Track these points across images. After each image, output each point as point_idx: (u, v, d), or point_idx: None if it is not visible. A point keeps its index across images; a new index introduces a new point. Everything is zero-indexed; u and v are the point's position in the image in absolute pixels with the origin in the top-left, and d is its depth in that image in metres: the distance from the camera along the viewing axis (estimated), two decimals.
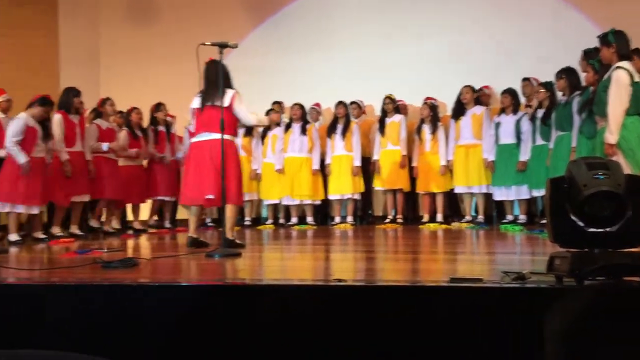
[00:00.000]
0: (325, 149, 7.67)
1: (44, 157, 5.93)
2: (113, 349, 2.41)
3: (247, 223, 7.80)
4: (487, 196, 7.04)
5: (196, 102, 4.69)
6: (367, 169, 7.66)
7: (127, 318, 2.53)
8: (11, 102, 6.41)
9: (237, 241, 4.59)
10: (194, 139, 4.70)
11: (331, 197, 7.56)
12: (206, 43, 4.10)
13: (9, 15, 8.83)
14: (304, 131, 7.51)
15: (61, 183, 6.10)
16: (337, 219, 7.55)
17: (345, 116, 7.52)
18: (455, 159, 7.06)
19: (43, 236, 5.91)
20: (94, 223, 6.78)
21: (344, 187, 7.42)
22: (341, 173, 7.45)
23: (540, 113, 6.25)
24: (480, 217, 6.93)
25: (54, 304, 2.61)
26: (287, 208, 7.73)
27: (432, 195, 7.29)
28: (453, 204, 7.48)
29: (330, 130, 7.57)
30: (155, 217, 7.71)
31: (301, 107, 7.62)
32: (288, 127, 7.62)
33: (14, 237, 5.66)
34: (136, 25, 9.26)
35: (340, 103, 7.54)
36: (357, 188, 7.47)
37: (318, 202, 7.64)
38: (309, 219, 7.56)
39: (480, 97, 7.15)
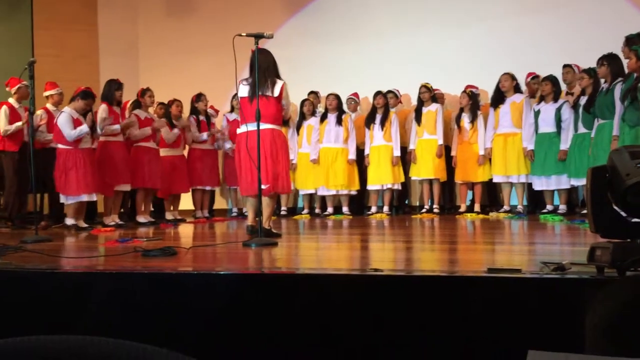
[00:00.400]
0: (363, 139, 7.64)
1: (91, 148, 6.14)
2: (153, 336, 2.47)
3: (283, 213, 7.86)
4: (527, 186, 6.92)
5: (244, 91, 4.59)
6: (404, 158, 7.62)
7: (166, 305, 2.58)
8: (62, 96, 6.60)
9: (274, 230, 4.63)
10: (242, 129, 4.56)
11: (370, 187, 7.55)
12: (242, 34, 4.11)
13: (50, 10, 9.05)
14: (339, 121, 7.50)
15: (104, 173, 6.26)
16: (374, 209, 7.54)
17: (384, 106, 7.47)
18: (494, 148, 6.95)
19: (85, 225, 6.07)
20: (142, 218, 6.86)
21: (383, 177, 7.39)
22: (380, 163, 7.42)
23: (583, 100, 6.10)
24: (519, 207, 6.82)
25: (97, 291, 2.68)
26: (323, 198, 7.75)
27: (471, 185, 7.21)
28: (492, 193, 7.39)
29: (369, 120, 7.54)
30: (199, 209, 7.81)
31: (337, 97, 7.60)
32: (324, 117, 7.62)
33: (71, 221, 6.00)
34: (173, 17, 9.38)
35: (379, 93, 7.50)
36: (396, 178, 7.44)
37: (354, 192, 7.63)
38: (345, 209, 7.57)
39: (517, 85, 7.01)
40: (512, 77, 6.89)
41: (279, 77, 4.58)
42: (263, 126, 4.30)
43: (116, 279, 2.72)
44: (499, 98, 6.94)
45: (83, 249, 4.34)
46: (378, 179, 7.44)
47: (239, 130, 4.71)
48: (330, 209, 7.62)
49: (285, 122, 7.64)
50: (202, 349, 2.40)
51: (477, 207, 7.07)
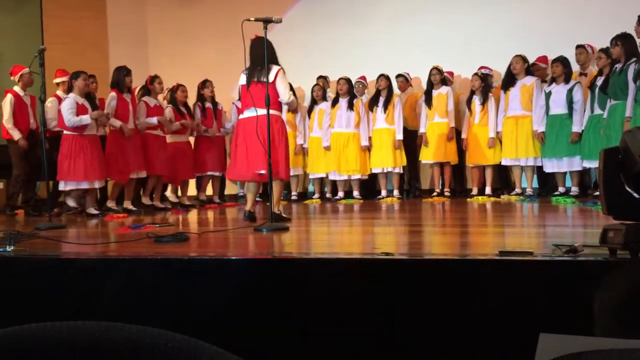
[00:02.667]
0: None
1: (96, 135, 6.14)
2: (165, 321, 2.49)
3: (293, 197, 7.87)
4: (537, 168, 6.89)
5: (243, 79, 4.73)
6: (414, 142, 7.59)
7: (179, 291, 2.60)
8: (32, 78, 6.60)
9: (284, 215, 4.65)
10: (242, 116, 4.74)
11: (374, 170, 7.54)
12: (250, 19, 4.11)
13: None
14: (350, 106, 7.47)
15: (118, 160, 6.29)
16: (384, 193, 7.53)
17: (387, 89, 7.44)
18: (504, 131, 6.91)
19: (96, 212, 6.12)
20: (145, 200, 6.95)
21: (385, 160, 7.38)
22: (382, 146, 7.40)
23: (599, 81, 6.02)
24: (529, 190, 6.79)
25: (111, 277, 2.71)
26: (334, 182, 7.75)
27: (482, 168, 7.18)
28: (503, 176, 7.36)
29: (372, 103, 7.51)
30: (208, 193, 7.84)
31: (347, 81, 7.56)
32: (335, 102, 7.59)
33: (71, 202, 6.05)
34: (182, 4, 9.36)
35: (382, 76, 7.46)
36: (398, 162, 7.41)
37: (365, 177, 7.63)
38: (355, 193, 7.57)
39: (531, 67, 6.94)
40: (524, 59, 6.82)
41: (276, 63, 4.62)
42: (259, 112, 4.41)
43: (129, 264, 2.74)
44: (509, 81, 6.88)
45: (96, 236, 4.38)
46: (380, 162, 7.42)
47: (239, 117, 4.83)
48: (341, 194, 7.63)
49: (294, 110, 7.66)
50: (214, 333, 2.42)
51: (488, 190, 7.04)
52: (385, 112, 7.38)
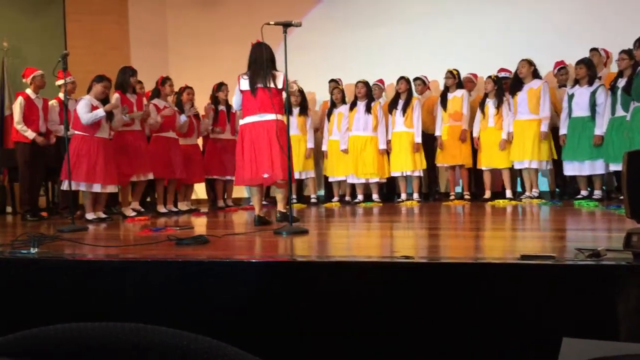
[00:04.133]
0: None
1: (107, 139, 6.09)
2: (186, 322, 2.51)
3: (313, 201, 7.88)
4: (558, 172, 6.85)
5: (244, 84, 4.79)
6: (433, 145, 7.57)
7: (200, 293, 2.62)
8: (75, 85, 6.62)
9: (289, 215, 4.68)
10: (245, 121, 4.78)
11: (393, 174, 7.52)
12: (270, 23, 4.13)
13: (81, 2, 9.19)
14: (368, 109, 7.46)
15: (120, 162, 6.17)
16: (403, 196, 7.50)
17: (406, 92, 7.42)
18: (514, 134, 6.88)
19: (104, 216, 6.01)
20: (160, 207, 6.84)
21: (404, 164, 7.35)
22: (402, 150, 7.38)
23: (621, 83, 5.95)
24: (535, 191, 6.74)
25: (133, 279, 2.74)
26: (353, 185, 7.73)
27: (496, 171, 7.13)
28: (517, 180, 7.33)
29: (391, 106, 7.50)
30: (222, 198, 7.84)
31: (366, 84, 7.55)
32: (353, 105, 7.58)
33: (90, 215, 5.86)
34: (202, 8, 9.44)
35: (402, 78, 7.44)
36: (417, 165, 7.38)
37: (383, 180, 7.61)
38: (375, 196, 7.56)
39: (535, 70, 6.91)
40: (530, 63, 6.78)
41: (276, 69, 4.75)
42: (267, 117, 4.57)
43: (151, 266, 2.77)
44: (517, 85, 6.84)
45: (118, 238, 4.42)
46: (399, 165, 7.40)
47: (241, 122, 4.87)
48: (360, 197, 7.62)
49: (302, 110, 7.67)
50: (234, 335, 2.44)
51: (509, 194, 6.98)
52: (404, 115, 7.37)
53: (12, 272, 2.99)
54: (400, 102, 7.42)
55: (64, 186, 5.79)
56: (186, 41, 9.36)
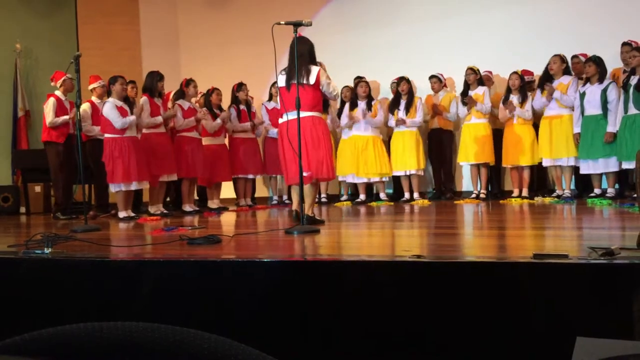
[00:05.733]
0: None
1: (136, 137, 6.25)
2: (198, 321, 2.52)
3: (323, 200, 7.88)
4: (575, 169, 6.76)
5: (281, 80, 4.67)
6: (449, 143, 7.54)
7: (211, 292, 2.63)
8: (106, 88, 6.72)
9: (317, 217, 4.65)
10: (284, 118, 4.61)
11: (396, 173, 7.50)
12: (281, 22, 4.13)
13: (93, 4, 9.26)
14: (369, 108, 7.43)
15: (149, 164, 6.33)
16: (407, 195, 7.45)
17: (408, 92, 7.39)
18: (541, 131, 6.79)
19: (133, 214, 6.19)
20: (187, 206, 6.90)
21: (408, 163, 7.33)
22: (405, 149, 7.35)
23: (634, 80, 5.89)
24: (567, 191, 6.64)
25: (145, 278, 2.75)
26: (364, 185, 7.68)
27: (520, 169, 7.06)
28: (541, 178, 7.25)
29: (393, 106, 7.47)
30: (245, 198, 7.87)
31: (367, 83, 7.54)
32: (353, 104, 7.54)
33: (122, 214, 6.08)
34: (213, 8, 9.46)
35: (403, 79, 7.41)
36: (421, 164, 7.37)
37: (386, 179, 7.60)
38: (382, 195, 7.53)
39: (573, 66, 6.81)
40: (562, 59, 6.68)
41: (314, 64, 4.59)
42: (302, 114, 4.35)
43: (163, 266, 2.78)
44: (547, 80, 6.75)
45: (131, 238, 4.45)
46: (402, 164, 7.37)
47: (280, 120, 4.75)
48: (362, 196, 7.54)
49: (324, 108, 7.65)
50: (246, 334, 2.44)
51: (525, 192, 6.91)
52: (407, 115, 7.35)
53: (26, 272, 3.02)
54: (403, 102, 7.39)
55: (112, 189, 6.14)
56: (197, 41, 9.39)
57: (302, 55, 4.42)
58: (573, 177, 6.77)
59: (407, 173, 7.41)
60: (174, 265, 2.78)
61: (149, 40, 9.47)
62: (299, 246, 3.44)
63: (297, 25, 4.17)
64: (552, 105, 6.66)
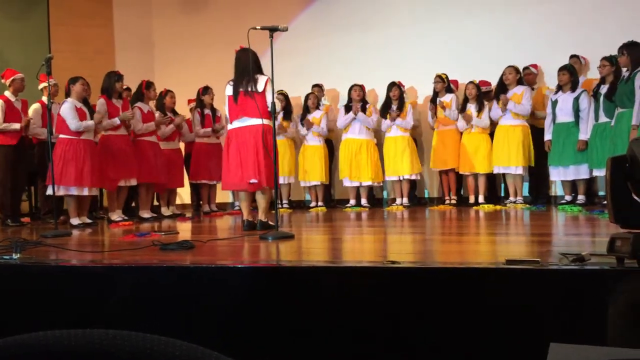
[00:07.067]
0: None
1: (92, 140, 6.05)
2: (171, 329, 2.49)
3: (285, 206, 7.83)
4: (539, 177, 6.93)
5: (229, 90, 4.78)
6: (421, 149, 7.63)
7: (184, 298, 2.60)
8: (58, 87, 6.55)
9: (271, 222, 4.61)
10: (232, 126, 4.75)
11: (388, 178, 7.52)
12: (256, 27, 4.12)
13: (66, 6, 9.14)
14: (363, 112, 7.45)
15: (107, 168, 6.14)
16: (398, 201, 7.46)
17: (399, 97, 7.43)
18: (495, 139, 6.93)
19: (89, 221, 5.95)
20: (143, 212, 6.74)
21: (400, 168, 7.35)
22: (397, 154, 7.38)
23: (603, 89, 6.03)
24: (519, 199, 6.79)
25: (117, 285, 2.71)
26: (354, 189, 7.63)
27: (475, 176, 7.17)
28: (492, 185, 7.39)
29: (384, 111, 7.49)
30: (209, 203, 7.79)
31: (361, 87, 7.55)
32: (348, 108, 7.55)
33: (75, 221, 5.80)
34: (188, 12, 9.41)
35: (394, 84, 7.44)
36: (414, 169, 7.40)
37: (379, 185, 7.61)
38: (363, 201, 7.54)
39: (525, 76, 6.99)
40: (517, 70, 6.87)
41: (262, 73, 4.70)
42: (252, 121, 4.53)
43: (135, 272, 2.74)
44: (502, 90, 6.90)
45: (102, 244, 4.39)
46: (395, 170, 7.40)
47: (229, 127, 4.84)
48: (352, 201, 7.53)
49: (287, 115, 7.65)
50: (220, 340, 2.42)
51: (481, 199, 7.03)
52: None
53: None
54: (394, 107, 7.42)
55: (49, 191, 5.61)
56: (172, 45, 9.32)
57: (249, 65, 4.57)
58: (526, 184, 6.99)
59: (401, 178, 7.42)
60: (146, 271, 2.74)
61: (122, 43, 9.37)
62: (272, 252, 3.42)
63: (272, 30, 4.16)
64: (507, 115, 6.80)
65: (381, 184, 7.73)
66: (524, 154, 6.76)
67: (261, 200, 4.70)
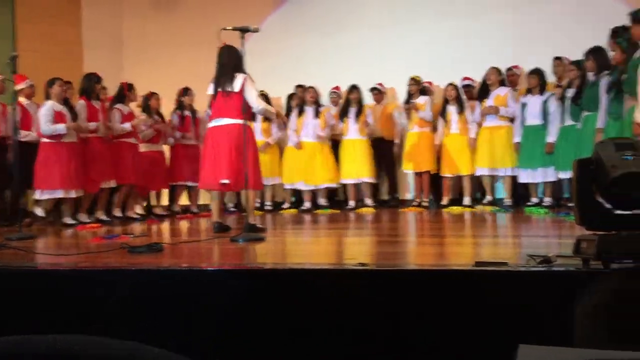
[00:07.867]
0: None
1: (75, 143, 5.98)
2: (139, 333, 2.45)
3: (267, 208, 7.80)
4: (513, 179, 6.96)
5: (210, 89, 4.75)
6: (391, 152, 7.62)
7: (153, 302, 2.56)
8: (34, 88, 6.42)
9: (259, 225, 4.63)
10: (210, 125, 4.74)
11: (344, 181, 7.50)
12: (227, 28, 4.11)
13: (33, 4, 8.94)
14: (317, 115, 7.45)
15: (89, 169, 6.11)
16: (352, 204, 7.42)
17: (358, 101, 7.45)
18: (479, 141, 6.97)
19: (72, 222, 5.94)
20: (117, 211, 6.66)
21: (360, 171, 7.36)
22: (356, 157, 7.38)
23: (570, 92, 6.13)
24: (508, 200, 6.83)
25: (82, 288, 2.66)
26: (309, 192, 7.64)
27: (459, 178, 7.20)
28: (481, 186, 7.43)
29: (343, 114, 7.50)
30: (183, 203, 7.71)
31: (315, 90, 7.55)
32: (301, 110, 7.55)
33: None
34: (158, 11, 9.31)
35: (354, 87, 7.46)
36: (373, 172, 7.42)
37: (334, 186, 7.59)
38: (322, 201, 7.50)
39: (508, 77, 7.06)
40: (499, 72, 6.92)
41: (242, 72, 4.60)
42: (228, 121, 4.50)
43: (103, 275, 2.70)
44: (484, 91, 6.97)
45: (68, 246, 4.30)
46: (354, 172, 7.40)
47: (208, 125, 4.81)
48: (307, 204, 7.46)
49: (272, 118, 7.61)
50: (189, 344, 2.39)
51: (467, 201, 7.05)
52: (357, 122, 7.38)
53: None
54: (352, 110, 7.42)
55: (37, 195, 5.77)
56: (142, 44, 9.19)
57: (228, 63, 4.55)
58: (509, 186, 6.98)
59: (359, 181, 7.43)
60: (113, 274, 2.70)
61: (90, 42, 9.20)
62: (243, 254, 3.40)
63: (244, 31, 4.14)
64: (490, 116, 6.86)
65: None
66: (510, 155, 6.79)
67: (247, 202, 4.66)
